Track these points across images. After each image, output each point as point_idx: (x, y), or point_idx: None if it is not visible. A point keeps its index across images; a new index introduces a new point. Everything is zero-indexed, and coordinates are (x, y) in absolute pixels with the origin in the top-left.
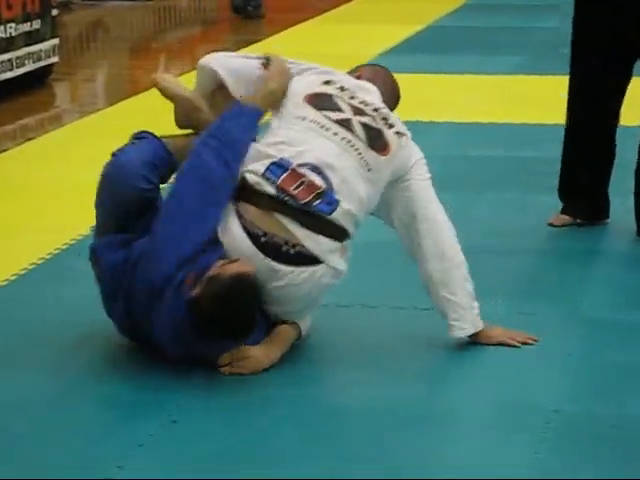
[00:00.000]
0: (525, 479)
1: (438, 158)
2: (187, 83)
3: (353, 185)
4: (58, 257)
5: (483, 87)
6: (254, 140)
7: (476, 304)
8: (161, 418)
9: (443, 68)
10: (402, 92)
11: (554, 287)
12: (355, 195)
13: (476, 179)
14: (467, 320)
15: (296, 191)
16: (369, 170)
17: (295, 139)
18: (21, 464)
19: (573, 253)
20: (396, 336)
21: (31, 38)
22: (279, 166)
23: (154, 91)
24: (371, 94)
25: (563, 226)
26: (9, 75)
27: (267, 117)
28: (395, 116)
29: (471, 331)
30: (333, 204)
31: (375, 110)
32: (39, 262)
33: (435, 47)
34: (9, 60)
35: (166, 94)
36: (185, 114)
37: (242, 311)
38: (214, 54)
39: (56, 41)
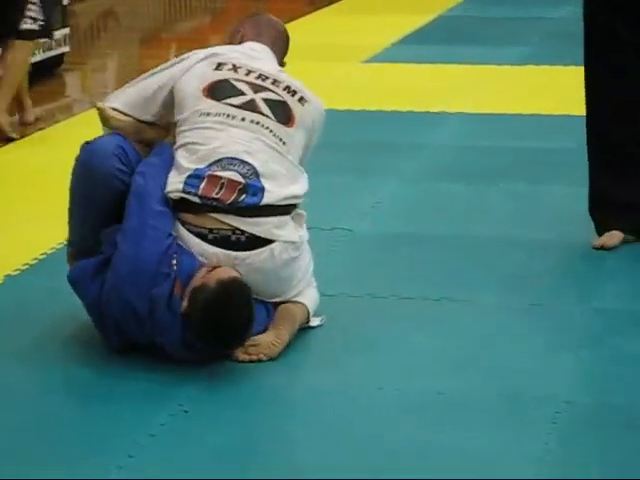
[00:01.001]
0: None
1: (449, 149)
2: None
3: (274, 164)
4: None
5: (494, 77)
6: None
7: None
8: (172, 408)
9: (453, 58)
10: (412, 82)
11: (565, 277)
12: (279, 171)
13: (487, 170)
14: None
15: (219, 194)
16: (284, 144)
17: (205, 137)
18: (33, 454)
19: (584, 244)
20: (406, 326)
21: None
22: (195, 177)
23: None
24: (263, 59)
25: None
26: None
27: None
28: (297, 81)
29: None
30: (258, 193)
31: (275, 82)
32: (50, 252)
33: (445, 37)
34: None
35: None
36: (133, 137)
37: (235, 316)
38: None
39: (67, 31)
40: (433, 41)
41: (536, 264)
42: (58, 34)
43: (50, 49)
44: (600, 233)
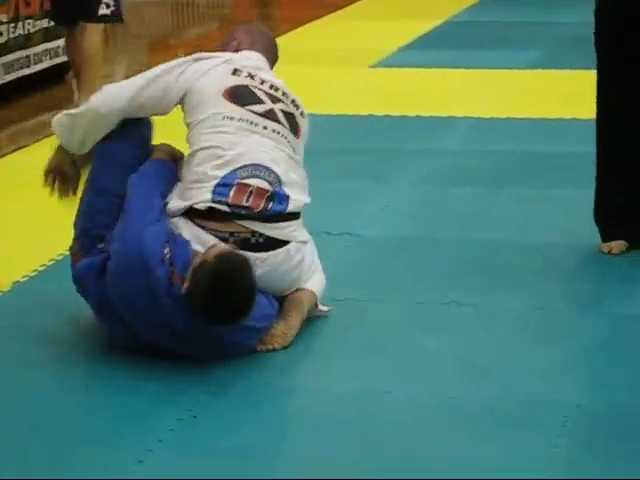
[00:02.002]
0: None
1: (457, 153)
2: None
3: (292, 173)
4: None
5: (501, 82)
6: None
7: None
8: (181, 413)
9: (461, 63)
10: (421, 87)
11: (574, 281)
12: (296, 180)
13: (495, 174)
14: None
15: (248, 202)
16: (297, 154)
17: (230, 142)
18: (40, 459)
19: (592, 248)
20: (415, 330)
21: (49, 35)
22: (224, 185)
23: None
24: (265, 69)
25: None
26: (27, 71)
27: (186, 118)
28: (296, 96)
29: None
30: (284, 202)
31: (284, 94)
32: (58, 258)
33: (453, 42)
34: (27, 57)
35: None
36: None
37: (239, 285)
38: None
39: None
40: (441, 46)
41: (544, 268)
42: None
43: (57, 56)
44: (605, 241)
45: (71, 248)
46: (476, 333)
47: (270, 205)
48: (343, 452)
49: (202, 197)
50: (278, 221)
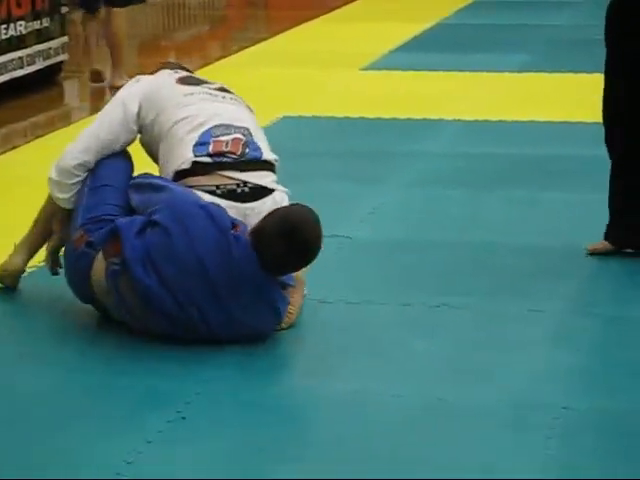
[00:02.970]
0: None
1: (447, 155)
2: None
3: (257, 131)
4: None
5: (492, 85)
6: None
7: None
8: (169, 414)
9: (452, 66)
10: (411, 89)
11: (563, 284)
12: (263, 138)
13: (485, 176)
14: None
15: (227, 148)
16: (253, 113)
17: (197, 109)
18: (30, 459)
19: (582, 250)
20: (405, 332)
21: (41, 36)
22: (201, 144)
23: None
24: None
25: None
26: (19, 73)
27: (151, 116)
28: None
29: None
30: (258, 150)
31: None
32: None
33: (444, 45)
34: (19, 58)
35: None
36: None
37: (310, 222)
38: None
39: (65, 39)
40: (432, 48)
41: (534, 270)
42: (57, 42)
43: (49, 57)
44: (607, 240)
45: (68, 238)
46: (466, 335)
47: (247, 151)
48: (333, 453)
49: (184, 158)
50: (256, 169)
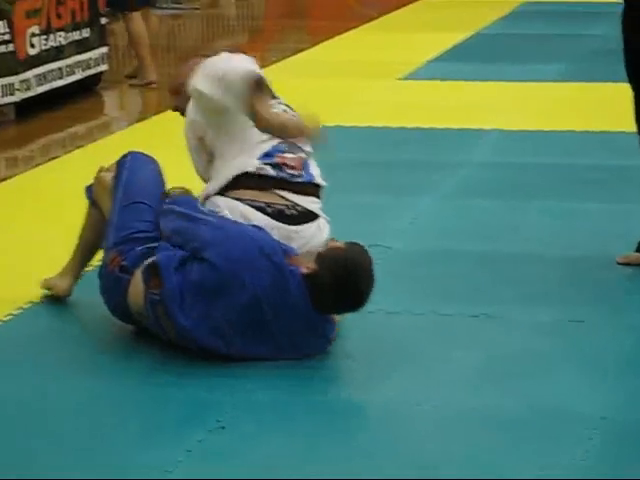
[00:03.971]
0: None
1: (485, 166)
2: None
3: (311, 152)
4: None
5: (530, 94)
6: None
7: None
8: (209, 424)
9: (490, 76)
10: (449, 99)
11: (602, 294)
12: (314, 160)
13: (523, 187)
14: None
15: (293, 162)
16: None
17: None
18: (70, 469)
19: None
20: (444, 342)
21: (81, 46)
22: (268, 155)
23: None
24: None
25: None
26: (59, 83)
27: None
28: None
29: None
30: (312, 173)
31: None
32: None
33: (482, 54)
34: (59, 69)
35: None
36: None
37: (365, 270)
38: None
39: (105, 49)
40: (470, 58)
41: (572, 281)
42: (96, 53)
43: (88, 68)
44: None
45: (103, 260)
46: (504, 345)
47: (304, 172)
48: (372, 462)
49: (249, 164)
50: (308, 193)
